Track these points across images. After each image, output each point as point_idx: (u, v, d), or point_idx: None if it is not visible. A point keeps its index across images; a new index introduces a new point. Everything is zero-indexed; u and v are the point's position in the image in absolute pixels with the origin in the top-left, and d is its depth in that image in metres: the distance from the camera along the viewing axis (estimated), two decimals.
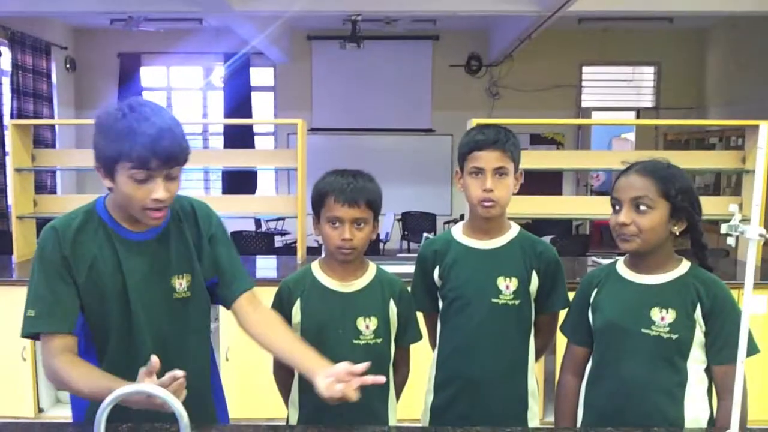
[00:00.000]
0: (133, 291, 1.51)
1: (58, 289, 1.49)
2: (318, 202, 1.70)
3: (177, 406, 1.00)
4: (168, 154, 1.40)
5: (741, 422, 1.36)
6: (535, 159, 4.32)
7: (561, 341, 1.88)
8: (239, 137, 8.87)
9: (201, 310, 1.64)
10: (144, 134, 1.38)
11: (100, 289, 1.50)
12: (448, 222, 8.58)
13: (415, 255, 2.00)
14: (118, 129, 1.39)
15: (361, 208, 1.65)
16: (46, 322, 1.48)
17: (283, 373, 1.80)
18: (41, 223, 4.38)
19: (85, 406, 1.56)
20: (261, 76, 9.34)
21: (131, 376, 1.30)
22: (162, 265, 1.53)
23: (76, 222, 1.53)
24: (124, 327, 1.51)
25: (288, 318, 1.72)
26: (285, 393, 1.81)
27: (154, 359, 1.28)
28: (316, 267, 1.78)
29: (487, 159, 1.73)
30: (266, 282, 2.97)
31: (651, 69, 9.30)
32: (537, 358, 1.88)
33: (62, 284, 1.49)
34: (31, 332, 1.50)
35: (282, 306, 1.74)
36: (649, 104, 9.30)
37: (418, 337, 1.84)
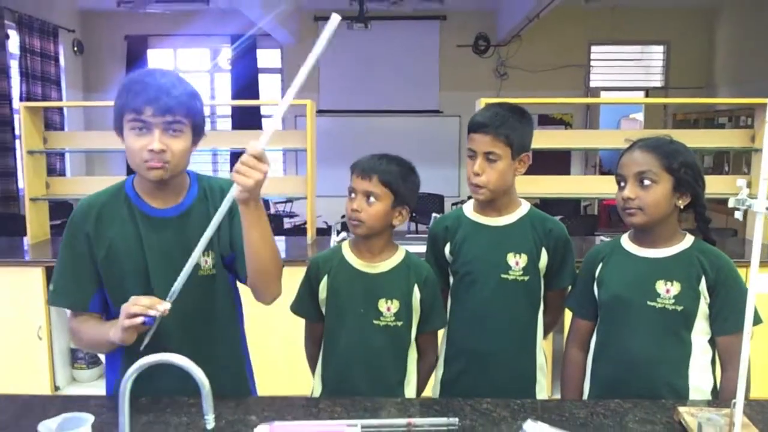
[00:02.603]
0: (154, 268, 1.53)
1: (77, 266, 1.54)
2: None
3: (199, 374, 1.03)
4: (162, 104, 1.42)
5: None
6: (543, 139, 4.31)
7: (568, 319, 1.92)
8: (247, 119, 8.88)
9: (227, 286, 1.65)
10: (141, 83, 1.44)
11: (119, 265, 1.53)
12: (455, 203, 8.58)
13: (424, 235, 2.03)
14: (122, 85, 1.47)
15: (372, 182, 1.68)
16: (63, 299, 1.57)
17: (311, 346, 1.86)
18: (53, 205, 4.43)
19: (113, 380, 1.61)
20: (268, 57, 9.32)
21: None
22: (185, 242, 1.51)
23: (102, 198, 1.57)
24: None
25: (315, 293, 1.77)
26: (313, 366, 1.86)
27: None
28: (345, 246, 1.81)
29: (479, 142, 1.75)
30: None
31: (660, 48, 9.23)
32: (546, 334, 1.91)
33: (82, 261, 1.54)
34: (52, 305, 1.60)
35: (310, 281, 1.79)
36: (658, 84, 9.24)
37: (443, 322, 1.86)
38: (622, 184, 1.66)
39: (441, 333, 1.92)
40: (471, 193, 1.81)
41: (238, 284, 1.69)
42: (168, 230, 1.55)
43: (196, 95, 1.52)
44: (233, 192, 1.38)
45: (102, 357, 3.54)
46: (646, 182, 1.61)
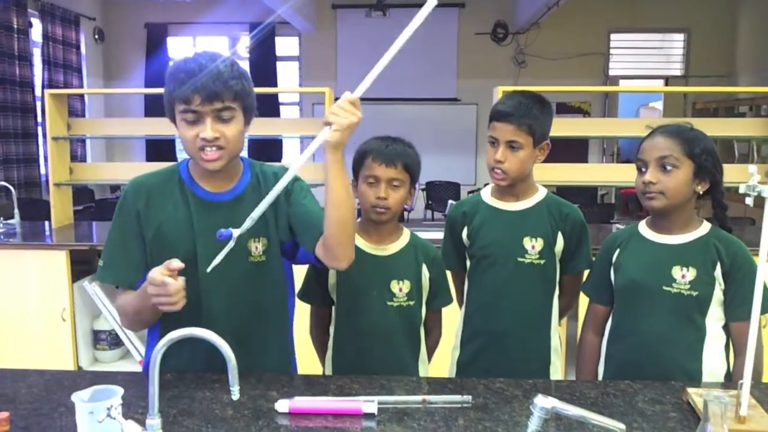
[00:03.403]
0: (202, 250, 1.52)
1: (127, 243, 1.55)
2: (358, 163, 1.78)
3: (224, 348, 1.08)
4: (209, 91, 1.41)
5: (755, 376, 1.41)
6: (560, 126, 4.27)
7: (582, 305, 1.94)
8: (265, 107, 8.85)
9: (279, 274, 1.64)
10: (186, 71, 1.43)
11: (168, 247, 1.52)
12: (472, 191, 8.53)
13: (439, 222, 2.07)
14: (169, 72, 1.47)
15: (397, 169, 1.72)
16: (111, 274, 1.57)
17: (319, 331, 1.89)
18: (74, 190, 4.51)
19: (148, 356, 1.66)
20: (286, 45, 9.36)
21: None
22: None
23: (156, 178, 1.59)
24: (191, 286, 1.45)
25: (325, 278, 1.80)
26: (321, 352, 1.90)
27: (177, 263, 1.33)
28: None
29: (502, 131, 1.78)
30: None
31: (680, 36, 9.14)
32: (560, 317, 1.94)
33: (132, 239, 1.55)
34: (101, 281, 1.60)
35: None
36: (678, 72, 9.16)
37: (449, 300, 1.91)
38: (643, 169, 1.68)
39: (458, 316, 1.96)
40: (491, 178, 1.84)
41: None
42: (220, 213, 1.54)
43: (243, 75, 1.49)
44: (324, 134, 1.39)
45: (124, 339, 3.63)
46: (668, 167, 1.63)
